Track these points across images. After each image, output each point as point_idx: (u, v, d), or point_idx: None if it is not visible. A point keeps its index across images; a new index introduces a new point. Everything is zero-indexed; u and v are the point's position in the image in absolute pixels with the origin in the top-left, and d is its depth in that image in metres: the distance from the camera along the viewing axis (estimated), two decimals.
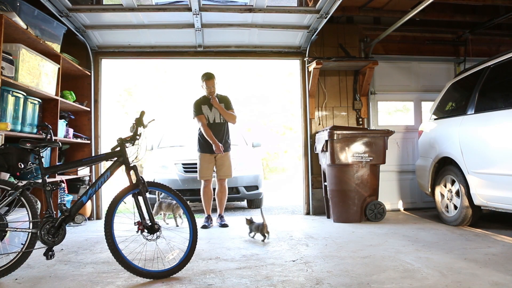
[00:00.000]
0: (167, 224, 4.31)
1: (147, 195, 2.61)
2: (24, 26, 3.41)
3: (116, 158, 2.64)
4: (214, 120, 4.45)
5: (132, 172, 2.61)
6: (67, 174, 4.50)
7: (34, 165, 2.69)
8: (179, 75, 13.85)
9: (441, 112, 4.56)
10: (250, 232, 3.73)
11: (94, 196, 3.61)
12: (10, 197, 2.44)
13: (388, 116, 5.90)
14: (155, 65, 13.37)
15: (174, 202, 3.97)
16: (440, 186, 4.35)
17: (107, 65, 5.44)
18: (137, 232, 2.57)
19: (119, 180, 3.43)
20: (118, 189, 2.61)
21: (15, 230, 2.50)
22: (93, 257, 3.04)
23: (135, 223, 2.57)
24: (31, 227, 2.45)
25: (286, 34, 5.01)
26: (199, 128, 4.50)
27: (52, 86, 4.03)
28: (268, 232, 3.56)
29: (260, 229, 3.58)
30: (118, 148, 2.64)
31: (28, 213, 2.49)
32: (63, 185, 4.11)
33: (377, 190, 4.56)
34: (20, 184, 2.52)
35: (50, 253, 2.45)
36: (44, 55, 3.82)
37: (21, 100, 3.45)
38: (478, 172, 3.65)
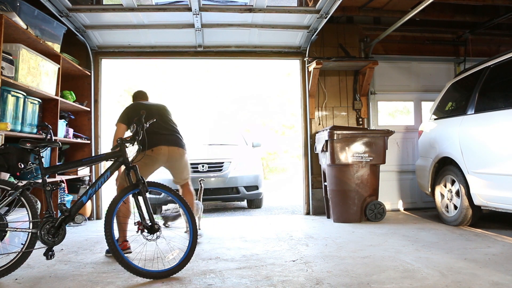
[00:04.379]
0: None
1: (147, 195, 2.61)
2: (24, 26, 3.41)
3: (116, 158, 2.64)
4: None
5: (132, 172, 2.61)
6: (67, 174, 4.50)
7: (34, 165, 2.69)
8: (179, 75, 13.86)
9: (441, 112, 4.56)
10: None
11: (94, 196, 3.60)
12: (10, 197, 2.44)
13: (388, 116, 5.90)
14: (155, 65, 13.38)
15: None
16: (440, 186, 4.35)
17: (107, 65, 5.44)
18: (137, 232, 2.57)
19: None
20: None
21: (15, 230, 2.51)
22: (93, 257, 3.04)
23: (135, 223, 2.57)
24: (31, 227, 2.45)
25: (286, 34, 5.01)
26: None
27: (52, 86, 4.03)
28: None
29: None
30: (118, 148, 2.64)
31: (28, 213, 2.48)
32: (63, 185, 4.11)
33: (377, 190, 4.56)
34: (20, 184, 2.52)
35: (50, 253, 2.45)
36: (44, 55, 3.82)
37: (21, 100, 3.45)
38: (478, 172, 3.65)
